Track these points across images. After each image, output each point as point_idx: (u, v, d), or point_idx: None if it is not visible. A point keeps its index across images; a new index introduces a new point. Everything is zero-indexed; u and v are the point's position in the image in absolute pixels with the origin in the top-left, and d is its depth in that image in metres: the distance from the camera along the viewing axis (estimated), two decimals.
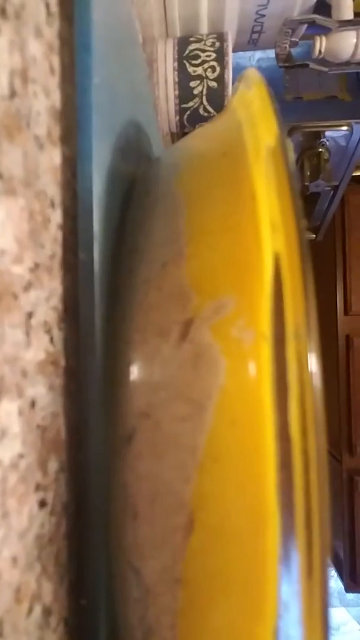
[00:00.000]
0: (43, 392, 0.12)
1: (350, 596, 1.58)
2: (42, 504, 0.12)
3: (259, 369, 0.10)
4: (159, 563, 0.13)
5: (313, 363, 0.09)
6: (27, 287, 0.11)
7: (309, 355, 0.09)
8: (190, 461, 0.12)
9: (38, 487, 0.11)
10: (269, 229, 0.11)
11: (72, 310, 0.14)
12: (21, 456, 0.11)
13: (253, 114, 0.13)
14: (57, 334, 0.13)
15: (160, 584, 0.13)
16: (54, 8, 0.13)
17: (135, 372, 0.13)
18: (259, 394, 0.10)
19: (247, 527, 0.11)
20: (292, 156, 0.12)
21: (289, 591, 0.10)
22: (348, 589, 1.33)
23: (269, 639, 0.11)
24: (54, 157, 0.12)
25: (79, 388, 0.13)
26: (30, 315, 0.11)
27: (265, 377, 0.10)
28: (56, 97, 0.13)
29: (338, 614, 1.63)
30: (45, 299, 0.12)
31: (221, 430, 0.11)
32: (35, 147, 0.11)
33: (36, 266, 0.11)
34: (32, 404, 0.11)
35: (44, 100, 0.12)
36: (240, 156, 0.13)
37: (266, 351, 0.10)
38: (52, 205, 0.12)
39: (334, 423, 1.38)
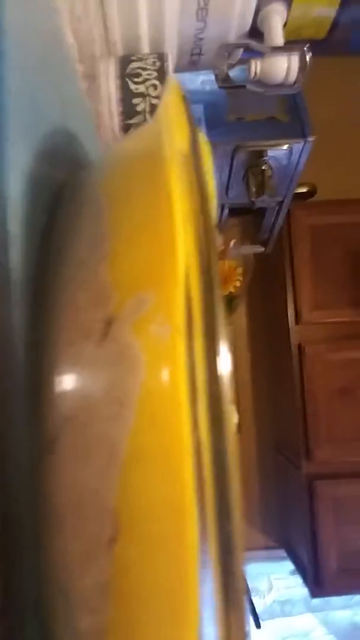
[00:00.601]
0: None
1: (316, 601, 1.60)
2: None
3: (174, 364, 0.10)
4: (87, 579, 0.12)
5: (219, 356, 0.09)
6: None
7: (214, 348, 0.09)
8: (113, 464, 0.12)
9: None
10: (182, 227, 0.11)
11: None
12: None
13: (169, 120, 0.13)
14: None
15: (90, 600, 0.12)
16: None
17: (59, 373, 0.13)
18: (175, 389, 0.10)
19: (168, 529, 0.11)
20: (207, 157, 0.12)
21: (207, 591, 0.10)
22: (313, 594, 1.35)
23: None
24: None
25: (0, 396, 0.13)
26: None
27: (179, 372, 0.10)
28: None
29: (305, 621, 1.64)
30: None
31: (142, 429, 0.11)
32: None
33: None
34: None
35: None
36: (158, 160, 0.13)
37: (181, 345, 0.10)
38: None
39: (291, 430, 1.41)
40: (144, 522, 0.11)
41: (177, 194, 0.12)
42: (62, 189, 0.18)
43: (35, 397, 0.13)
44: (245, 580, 0.10)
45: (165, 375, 0.11)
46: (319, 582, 1.33)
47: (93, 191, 0.16)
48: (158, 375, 0.11)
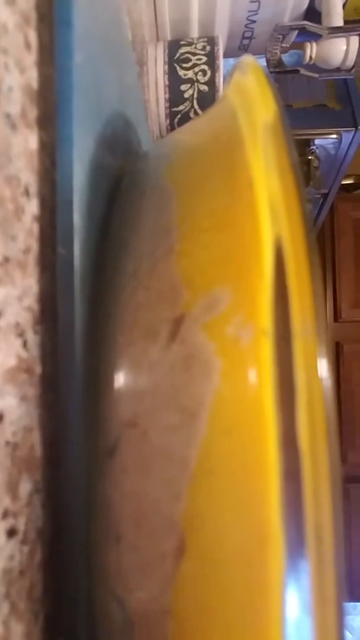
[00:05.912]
0: (13, 403, 0.10)
1: None
2: (12, 532, 0.10)
3: (258, 369, 0.09)
4: (145, 593, 0.11)
5: (323, 363, 0.08)
6: None
7: (318, 353, 0.08)
8: (180, 476, 0.11)
9: (6, 514, 0.10)
10: (268, 213, 0.10)
11: (50, 312, 0.12)
12: None
13: (249, 97, 0.12)
14: (32, 338, 0.11)
15: (147, 616, 0.12)
16: None
17: (120, 377, 0.12)
18: (259, 398, 0.09)
19: (246, 550, 0.10)
20: (291, 133, 0.11)
21: (296, 626, 0.09)
22: None
23: None
24: (29, 140, 0.11)
25: (57, 398, 0.12)
26: None
27: (265, 379, 0.09)
28: (32, 76, 0.11)
29: None
30: (17, 297, 0.11)
31: (215, 440, 0.10)
32: (5, 126, 0.10)
33: (5, 260, 0.10)
34: (0, 417, 0.10)
35: (17, 76, 0.11)
36: (235, 141, 0.12)
37: (267, 349, 0.09)
38: (27, 193, 0.11)
39: None
40: (215, 540, 0.10)
41: (259, 179, 0.11)
42: (121, 178, 0.17)
43: (95, 399, 0.12)
44: (344, 619, 0.08)
45: (245, 383, 0.09)
46: (349, 586, 1.30)
47: (157, 179, 0.15)
48: (236, 382, 0.10)
